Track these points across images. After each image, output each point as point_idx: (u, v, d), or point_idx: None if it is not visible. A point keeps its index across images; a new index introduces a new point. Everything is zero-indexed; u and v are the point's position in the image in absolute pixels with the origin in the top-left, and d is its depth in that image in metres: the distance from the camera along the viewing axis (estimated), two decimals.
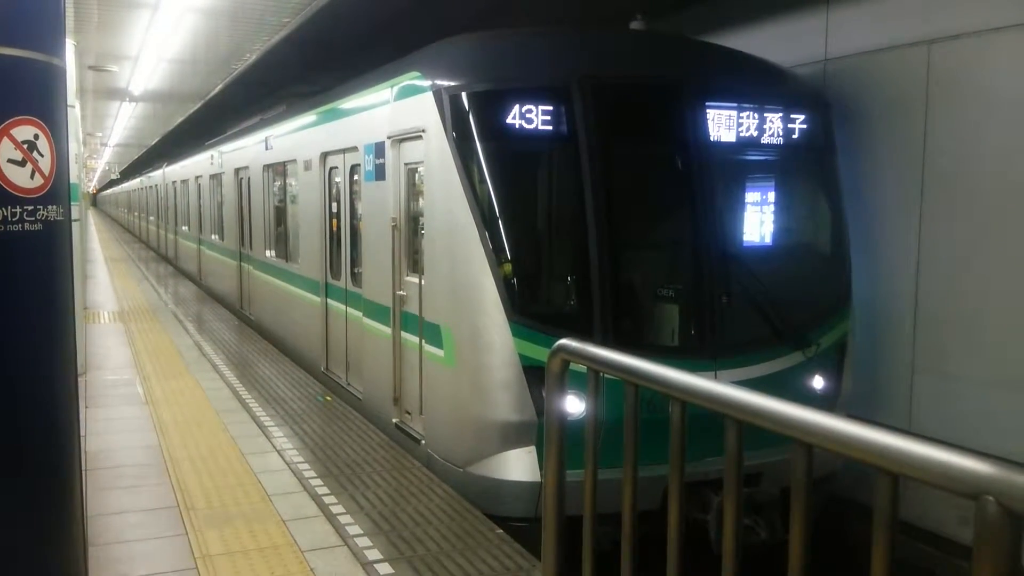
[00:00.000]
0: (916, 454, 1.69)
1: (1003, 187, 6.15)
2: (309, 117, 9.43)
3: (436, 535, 4.85)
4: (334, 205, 8.79)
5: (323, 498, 5.41)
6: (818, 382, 6.17)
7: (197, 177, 18.08)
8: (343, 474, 5.89)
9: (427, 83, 6.09)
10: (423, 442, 6.35)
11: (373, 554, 4.57)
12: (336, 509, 5.22)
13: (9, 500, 3.17)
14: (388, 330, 7.00)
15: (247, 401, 7.94)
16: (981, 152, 6.31)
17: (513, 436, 5.48)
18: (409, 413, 6.79)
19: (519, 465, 5.47)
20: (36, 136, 3.11)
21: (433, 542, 4.75)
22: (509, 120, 5.60)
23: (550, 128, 5.67)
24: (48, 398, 3.27)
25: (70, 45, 8.09)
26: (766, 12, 8.34)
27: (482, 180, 5.67)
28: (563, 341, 3.06)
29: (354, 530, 4.90)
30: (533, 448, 5.44)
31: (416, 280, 6.51)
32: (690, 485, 4.67)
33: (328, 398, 8.12)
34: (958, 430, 6.40)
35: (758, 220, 6.69)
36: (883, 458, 1.75)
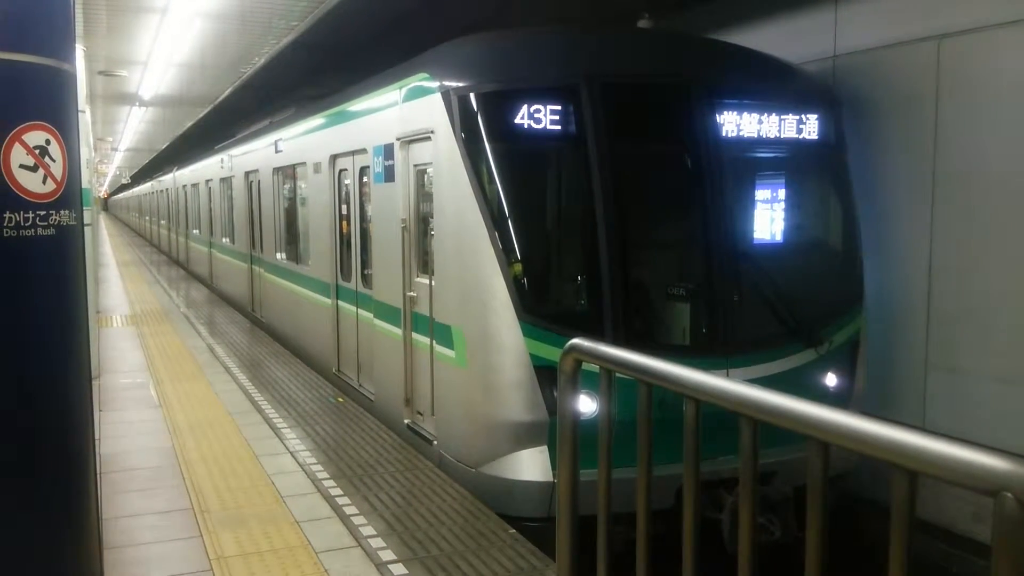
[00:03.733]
0: (934, 451, 1.67)
1: (1015, 182, 6.11)
2: (318, 120, 9.45)
3: (449, 535, 4.85)
4: (344, 207, 8.80)
5: (336, 499, 5.42)
6: (831, 380, 6.14)
7: (207, 181, 18.15)
8: (356, 475, 5.90)
9: (435, 84, 6.09)
10: (435, 443, 6.35)
11: (387, 555, 4.58)
12: (350, 510, 5.23)
13: (25, 503, 3.19)
14: (399, 331, 7.00)
15: (259, 403, 7.96)
16: (992, 147, 6.27)
17: (525, 436, 5.47)
18: (421, 414, 6.79)
19: (531, 465, 5.47)
20: (48, 141, 3.13)
21: (446, 542, 4.76)
22: (518, 120, 5.59)
23: (559, 128, 5.66)
24: (63, 401, 3.28)
25: (80, 50, 8.14)
26: (774, 9, 8.31)
27: (491, 180, 5.67)
28: (575, 340, 3.05)
29: (368, 531, 4.90)
30: (545, 448, 5.43)
31: (426, 281, 6.51)
32: (703, 484, 4.67)
33: (340, 399, 8.14)
34: (972, 427, 6.36)
35: (769, 218, 6.65)
36: (900, 455, 1.74)
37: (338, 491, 5.57)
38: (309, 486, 5.68)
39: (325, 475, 5.90)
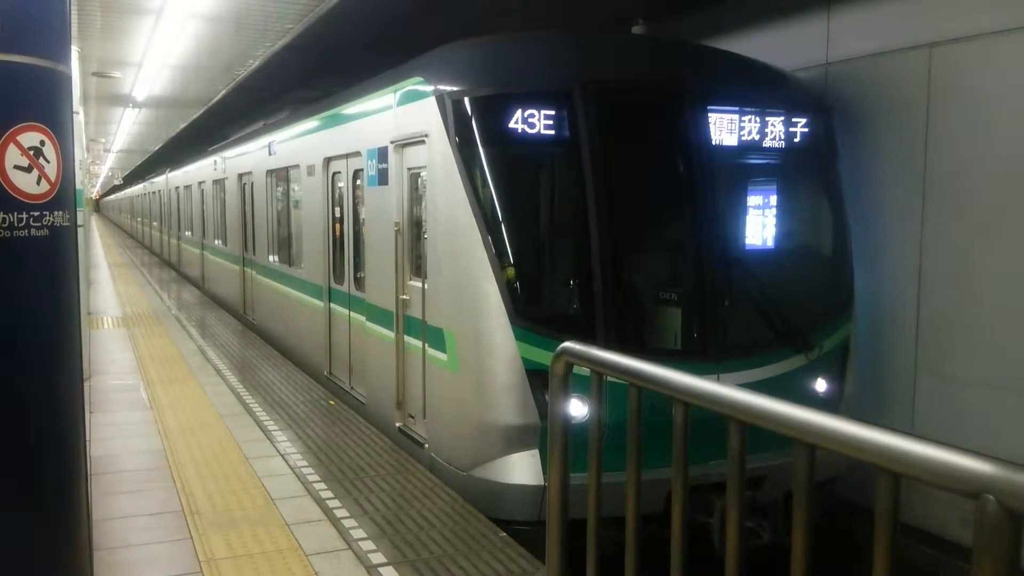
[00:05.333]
0: (917, 454, 1.70)
1: (1004, 189, 6.16)
2: (312, 122, 9.47)
3: (440, 538, 4.86)
4: (337, 210, 8.81)
5: (327, 502, 5.42)
6: (821, 385, 6.17)
7: (200, 183, 18.12)
8: (347, 478, 5.91)
9: (430, 88, 6.12)
10: (426, 446, 6.36)
11: (377, 558, 4.58)
12: (340, 513, 5.23)
13: (15, 504, 3.19)
14: (391, 334, 7.01)
15: (250, 405, 7.96)
16: (982, 154, 6.32)
17: (516, 440, 5.48)
18: (412, 417, 6.80)
19: (522, 469, 5.48)
20: (42, 142, 3.14)
21: (437, 545, 4.76)
22: (511, 124, 5.62)
23: (552, 132, 5.69)
24: (54, 403, 3.29)
25: (74, 52, 8.13)
26: (767, 16, 8.36)
27: (484, 184, 5.69)
28: (567, 344, 3.07)
29: (358, 534, 4.91)
30: (536, 451, 5.45)
31: (419, 284, 6.53)
32: (693, 488, 4.68)
33: (332, 402, 8.14)
34: (961, 432, 6.40)
35: (760, 223, 6.70)
36: (884, 458, 1.76)
37: (329, 494, 5.58)
38: (300, 489, 5.68)
39: (316, 478, 5.90)
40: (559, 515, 3.18)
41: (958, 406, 6.53)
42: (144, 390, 8.60)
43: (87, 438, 5.66)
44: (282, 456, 6.39)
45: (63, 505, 3.33)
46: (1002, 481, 1.55)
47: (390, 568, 4.46)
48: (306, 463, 6.22)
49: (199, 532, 4.91)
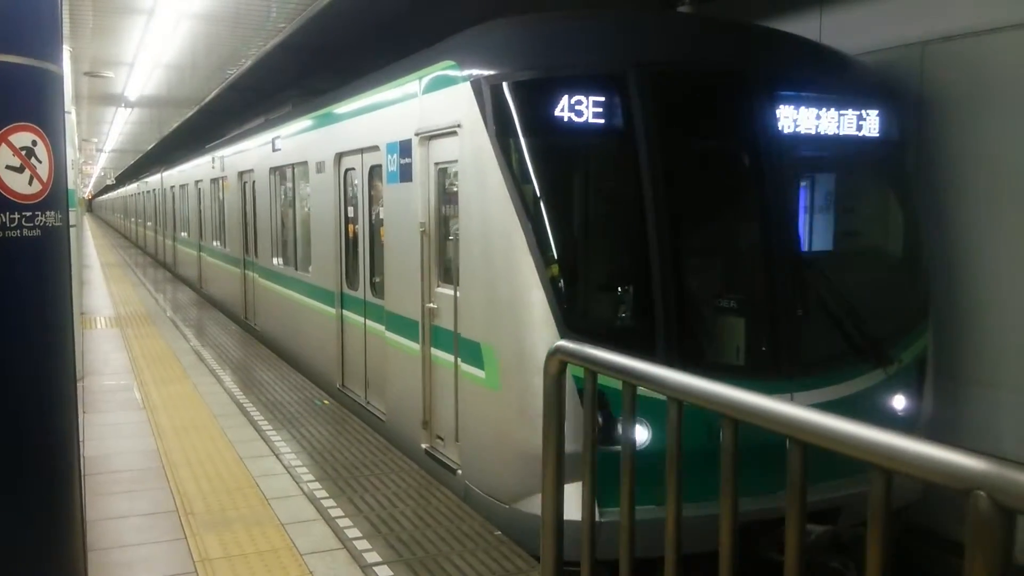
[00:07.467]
0: (909, 451, 1.71)
1: (998, 188, 6.16)
2: (322, 116, 8.94)
3: (435, 537, 4.86)
4: (350, 209, 8.22)
5: (322, 501, 5.42)
6: (899, 402, 5.57)
7: (197, 181, 17.91)
8: (341, 477, 5.90)
9: (463, 73, 5.51)
10: (459, 472, 5.73)
11: (372, 557, 4.59)
12: (335, 512, 5.23)
13: (9, 505, 3.18)
14: (416, 346, 6.41)
15: (245, 406, 7.94)
16: (976, 152, 6.32)
17: (567, 469, 5.06)
18: (441, 438, 6.19)
19: (574, 502, 4.89)
20: (34, 142, 3.13)
21: (432, 544, 4.77)
22: (558, 112, 4.99)
23: (604, 121, 5.06)
24: (47, 403, 3.28)
25: (66, 51, 8.11)
26: (760, 13, 8.35)
27: (527, 180, 5.09)
28: (561, 343, 3.07)
29: (353, 533, 4.91)
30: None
31: (449, 292, 5.87)
32: (764, 523, 4.29)
33: (326, 402, 8.12)
34: (964, 432, 6.35)
35: (835, 224, 6.05)
36: (877, 455, 1.78)
37: (323, 493, 5.57)
38: (294, 488, 5.67)
39: (310, 477, 5.89)
40: (554, 519, 3.19)
41: (961, 406, 6.48)
42: (138, 390, 8.58)
43: (80, 438, 5.65)
44: (276, 456, 6.38)
45: (57, 506, 3.32)
46: (993, 477, 1.56)
47: (385, 567, 4.46)
48: (300, 463, 6.22)
49: (193, 532, 4.90)
